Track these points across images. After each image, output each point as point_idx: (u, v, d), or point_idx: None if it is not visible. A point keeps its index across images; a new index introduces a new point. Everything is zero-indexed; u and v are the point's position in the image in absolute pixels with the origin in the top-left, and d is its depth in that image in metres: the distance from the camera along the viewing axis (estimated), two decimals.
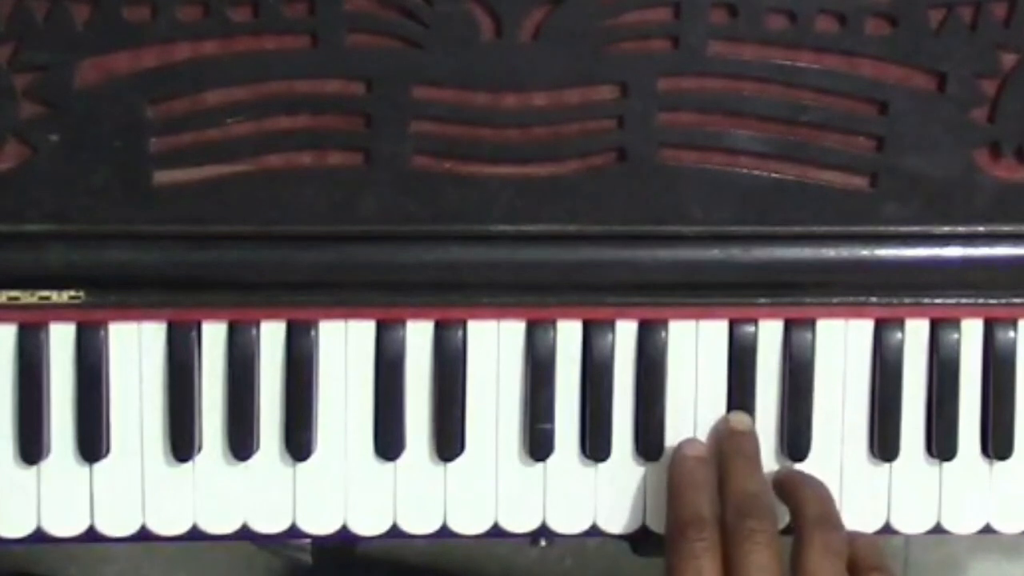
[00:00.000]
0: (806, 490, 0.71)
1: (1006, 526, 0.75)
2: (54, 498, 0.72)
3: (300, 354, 0.72)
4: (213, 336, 0.72)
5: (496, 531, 0.74)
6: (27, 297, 0.70)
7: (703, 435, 0.74)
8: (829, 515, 0.70)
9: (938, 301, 0.73)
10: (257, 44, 0.69)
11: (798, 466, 0.74)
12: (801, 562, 0.67)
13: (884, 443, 0.74)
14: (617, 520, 0.74)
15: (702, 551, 0.67)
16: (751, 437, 0.73)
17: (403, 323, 0.72)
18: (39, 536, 0.72)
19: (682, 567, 0.67)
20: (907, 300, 0.73)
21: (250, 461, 0.72)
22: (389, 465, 0.73)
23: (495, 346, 0.73)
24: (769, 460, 0.74)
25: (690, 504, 0.70)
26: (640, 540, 0.75)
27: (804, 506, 0.70)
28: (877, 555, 0.71)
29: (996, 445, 0.74)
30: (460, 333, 0.72)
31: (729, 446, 0.72)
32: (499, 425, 0.73)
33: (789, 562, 0.68)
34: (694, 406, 0.74)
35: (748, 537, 0.67)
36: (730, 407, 0.73)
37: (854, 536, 0.71)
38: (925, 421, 0.74)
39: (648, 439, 0.73)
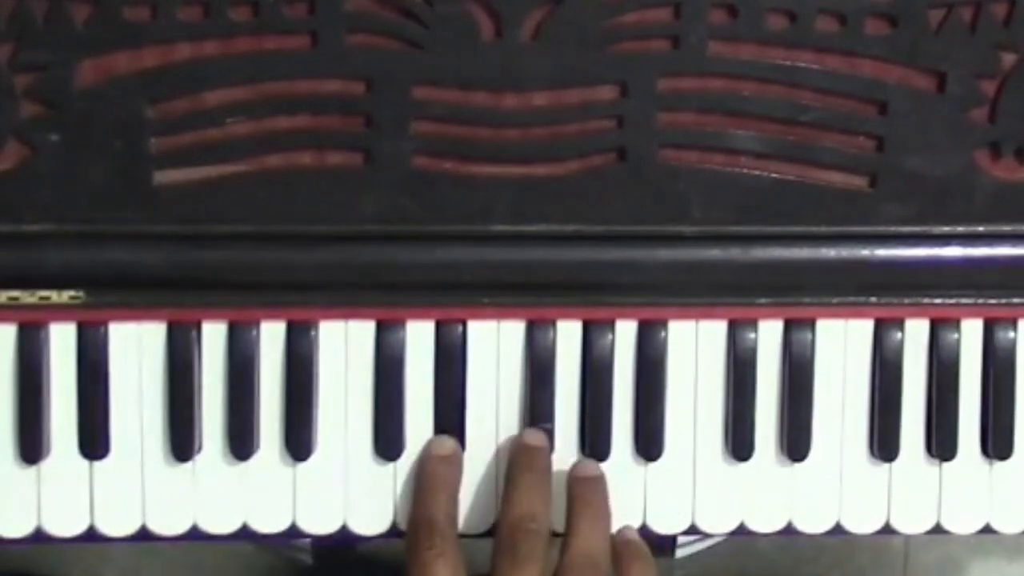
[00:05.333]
0: (584, 515, 0.69)
1: (1006, 526, 0.75)
2: (54, 498, 0.72)
3: (300, 354, 0.72)
4: (213, 336, 0.72)
5: None
6: (27, 297, 0.70)
7: (704, 435, 0.74)
8: (591, 555, 0.68)
9: (938, 301, 0.73)
10: (257, 44, 0.69)
11: (798, 466, 0.74)
12: None
13: (884, 443, 0.74)
14: (617, 520, 0.73)
15: (433, 558, 0.66)
16: (543, 452, 0.71)
17: (403, 323, 0.72)
18: (39, 536, 0.72)
19: (413, 574, 0.66)
20: (907, 300, 0.73)
21: (250, 461, 0.72)
22: (389, 465, 0.73)
23: (495, 346, 0.73)
24: (768, 460, 0.74)
25: (424, 508, 0.69)
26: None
27: (574, 535, 0.69)
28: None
29: (996, 445, 0.74)
30: (460, 333, 0.72)
31: (519, 460, 0.71)
32: (499, 425, 0.73)
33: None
34: (694, 406, 0.74)
35: (514, 563, 0.66)
36: (730, 407, 0.73)
37: (630, 567, 0.70)
38: (925, 421, 0.74)
39: (648, 439, 0.73)
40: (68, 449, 0.72)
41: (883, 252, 0.72)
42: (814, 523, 0.74)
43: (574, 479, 0.72)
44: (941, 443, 0.74)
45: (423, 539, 0.67)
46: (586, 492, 0.71)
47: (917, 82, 0.71)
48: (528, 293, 0.72)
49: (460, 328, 0.72)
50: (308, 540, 0.76)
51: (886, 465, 0.74)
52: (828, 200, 0.72)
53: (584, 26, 0.70)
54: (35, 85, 0.69)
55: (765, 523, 0.74)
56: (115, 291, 0.71)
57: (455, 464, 0.71)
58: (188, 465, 0.72)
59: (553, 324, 0.73)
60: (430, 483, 0.70)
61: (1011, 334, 0.74)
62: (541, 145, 0.71)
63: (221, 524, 0.72)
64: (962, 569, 0.93)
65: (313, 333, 0.72)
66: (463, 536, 0.72)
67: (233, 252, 0.71)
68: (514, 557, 0.67)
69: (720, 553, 0.86)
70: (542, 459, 0.71)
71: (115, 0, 0.68)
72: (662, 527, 0.74)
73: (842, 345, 0.74)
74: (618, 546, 0.71)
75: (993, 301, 0.73)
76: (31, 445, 0.71)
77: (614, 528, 0.72)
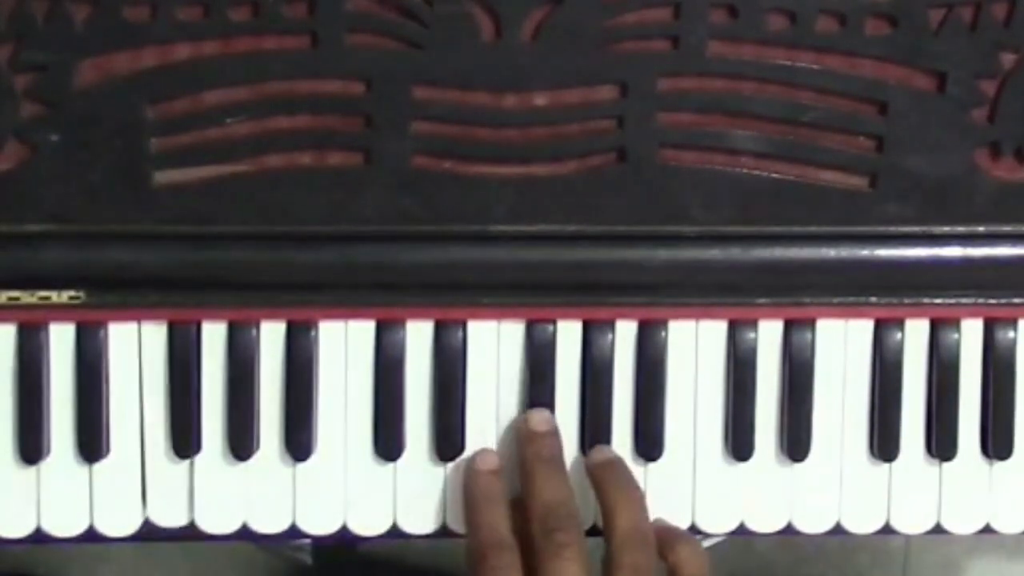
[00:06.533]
0: (619, 495, 0.69)
1: (1006, 526, 0.75)
2: (54, 498, 0.72)
3: (300, 354, 0.72)
4: (213, 336, 0.72)
5: None
6: (27, 297, 0.70)
7: (704, 435, 0.74)
8: (638, 529, 0.68)
9: (938, 301, 0.73)
10: (257, 44, 0.69)
11: (798, 466, 0.74)
12: None
13: (884, 443, 0.74)
14: None
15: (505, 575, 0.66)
16: (552, 437, 0.71)
17: (403, 323, 0.72)
18: (39, 536, 0.72)
19: None
20: (907, 300, 0.73)
21: (250, 461, 0.72)
22: (389, 465, 0.73)
23: (495, 346, 0.73)
24: (768, 460, 0.74)
25: (487, 526, 0.68)
26: None
27: (615, 516, 0.69)
28: (699, 570, 0.69)
29: (996, 445, 0.74)
30: (460, 333, 0.72)
31: (530, 451, 0.70)
32: (499, 425, 0.73)
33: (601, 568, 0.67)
34: (694, 406, 0.74)
35: (557, 553, 0.66)
36: (730, 407, 0.73)
37: (675, 543, 0.70)
38: (925, 421, 0.74)
39: (648, 439, 0.73)
40: (67, 449, 0.72)
41: (883, 252, 0.72)
42: (814, 523, 0.74)
43: (594, 466, 0.71)
44: (941, 443, 0.74)
45: (492, 558, 0.66)
46: (612, 474, 0.71)
47: (917, 82, 0.71)
48: (528, 293, 0.72)
49: (460, 328, 0.72)
50: (308, 540, 0.76)
51: (886, 465, 0.74)
52: (828, 200, 0.72)
53: (584, 26, 0.70)
54: (35, 85, 0.69)
55: (765, 523, 0.74)
56: (115, 291, 0.71)
57: (501, 477, 0.71)
58: (188, 465, 0.72)
59: (553, 324, 0.73)
60: (486, 498, 0.69)
61: (1011, 334, 0.74)
62: (541, 145, 0.71)
63: (221, 524, 0.72)
64: (962, 569, 0.93)
65: (313, 333, 0.72)
66: (458, 536, 0.72)
67: (233, 252, 0.71)
68: (555, 546, 0.66)
69: (720, 553, 0.86)
70: (554, 445, 0.71)
71: (115, 0, 0.68)
72: None
73: (842, 345, 0.74)
74: (660, 530, 0.71)
75: (993, 301, 0.73)
76: (30, 445, 0.71)
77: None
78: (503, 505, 0.70)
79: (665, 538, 0.70)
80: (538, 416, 0.72)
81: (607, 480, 0.70)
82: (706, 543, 0.81)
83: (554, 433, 0.71)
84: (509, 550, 0.67)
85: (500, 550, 0.67)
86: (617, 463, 0.71)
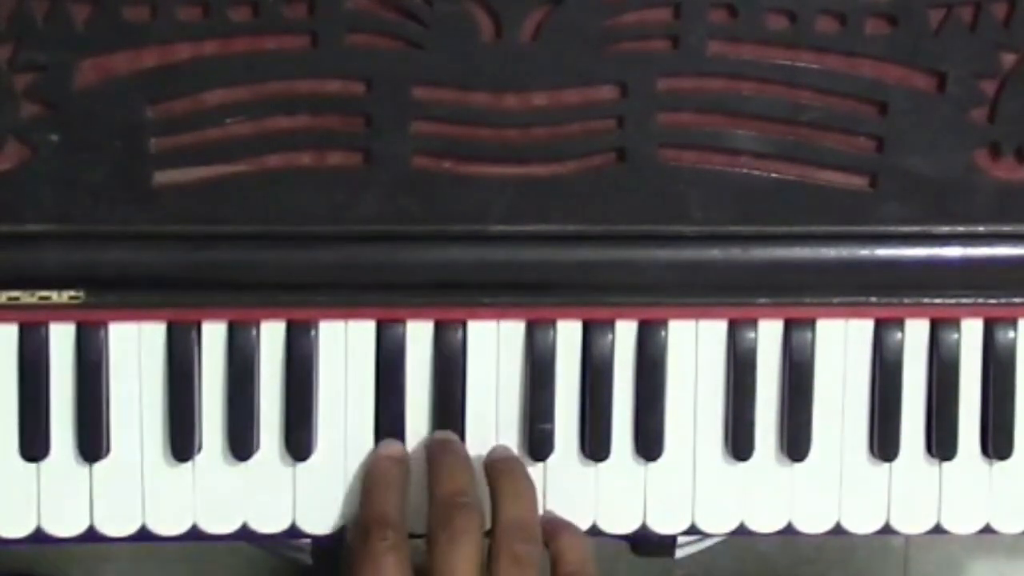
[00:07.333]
0: (507, 489, 0.70)
1: (1006, 526, 0.75)
2: (54, 498, 0.72)
3: (300, 354, 0.72)
4: (213, 336, 0.72)
5: None
6: (27, 297, 0.70)
7: (704, 435, 0.74)
8: (522, 521, 0.69)
9: (938, 301, 0.73)
10: (257, 44, 0.69)
11: (798, 466, 0.74)
12: (491, 574, 0.67)
13: (884, 443, 0.74)
14: (617, 520, 0.74)
15: (385, 550, 0.66)
16: (456, 441, 0.72)
17: (403, 323, 0.72)
18: (39, 536, 0.72)
19: (364, 567, 0.66)
20: (907, 300, 0.73)
21: (250, 461, 0.72)
22: None
23: (495, 346, 0.73)
24: (768, 460, 0.74)
25: (376, 504, 0.69)
26: (640, 540, 0.75)
27: (501, 508, 0.69)
28: (580, 558, 0.70)
29: (996, 445, 0.74)
30: (460, 333, 0.72)
31: (435, 447, 0.71)
32: (499, 425, 0.73)
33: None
34: (694, 406, 0.74)
35: (451, 538, 0.66)
36: (730, 407, 0.73)
37: (558, 533, 0.70)
38: (925, 421, 0.74)
39: (648, 439, 0.73)
40: (68, 449, 0.72)
41: (883, 252, 0.72)
42: (814, 523, 0.74)
43: (489, 464, 0.72)
44: (941, 443, 0.74)
45: (376, 532, 0.67)
46: (504, 469, 0.71)
47: (917, 82, 0.71)
48: (528, 293, 0.72)
49: (460, 328, 0.72)
50: (308, 540, 0.76)
51: (886, 465, 0.74)
52: (828, 200, 0.72)
53: (584, 26, 0.70)
54: (35, 85, 0.69)
55: (765, 523, 0.74)
56: (115, 291, 0.71)
57: (404, 465, 0.71)
58: (188, 465, 0.72)
59: (553, 324, 0.73)
60: (382, 481, 0.70)
61: (1011, 334, 0.74)
62: (541, 145, 0.71)
63: (221, 524, 0.72)
64: (962, 569, 0.93)
65: (313, 333, 0.72)
66: None
67: (233, 252, 0.71)
68: (450, 532, 0.67)
69: (720, 553, 0.86)
70: (457, 445, 0.72)
71: (115, 0, 0.68)
72: (662, 527, 0.74)
73: (842, 345, 0.74)
74: (547, 519, 0.72)
75: (993, 301, 0.73)
76: (31, 445, 0.71)
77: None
78: (398, 490, 0.70)
79: (549, 529, 0.70)
80: (440, 432, 0.72)
81: (499, 474, 0.71)
82: (706, 543, 0.81)
83: (457, 439, 0.72)
84: (393, 528, 0.67)
85: (384, 528, 0.67)
86: (510, 459, 0.72)
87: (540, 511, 0.72)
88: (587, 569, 0.69)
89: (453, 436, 0.72)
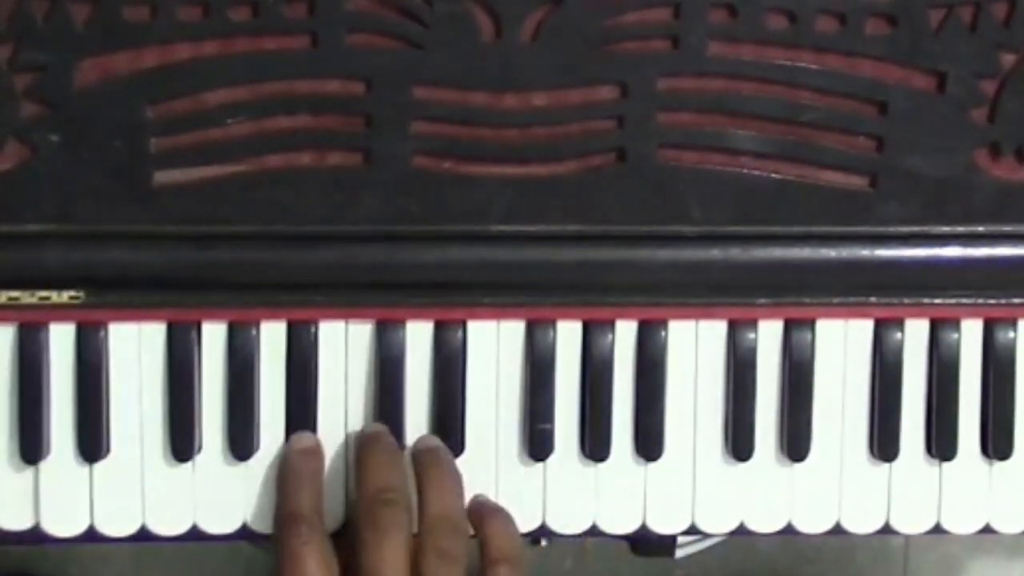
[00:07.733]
0: (432, 481, 0.70)
1: (1006, 526, 0.75)
2: (54, 498, 0.72)
3: (300, 354, 0.72)
4: (213, 336, 0.72)
5: None
6: (27, 297, 0.70)
7: (704, 435, 0.74)
8: (447, 514, 0.69)
9: (938, 301, 0.73)
10: (257, 44, 0.69)
11: (798, 466, 0.74)
12: (417, 570, 0.67)
13: (884, 443, 0.74)
14: (617, 520, 0.74)
15: (300, 547, 0.66)
16: (386, 435, 0.71)
17: (403, 323, 0.72)
18: (38, 535, 0.72)
19: (284, 565, 0.66)
20: (907, 300, 0.73)
21: (250, 461, 0.72)
22: None
23: (495, 346, 0.73)
24: (768, 460, 0.74)
25: (290, 500, 0.69)
26: (640, 540, 0.75)
27: (426, 502, 0.69)
28: (509, 544, 0.70)
29: (996, 445, 0.74)
30: (460, 333, 0.72)
31: (365, 442, 0.71)
32: (499, 425, 0.73)
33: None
34: (694, 406, 0.74)
35: (377, 533, 0.66)
36: (730, 407, 0.73)
37: (486, 520, 0.70)
38: (925, 421, 0.74)
39: (648, 439, 0.73)
40: (68, 449, 0.72)
41: (883, 252, 0.72)
42: (814, 523, 0.74)
43: (415, 453, 0.71)
44: (941, 443, 0.74)
45: (291, 530, 0.67)
46: (429, 459, 0.71)
47: (917, 82, 0.71)
48: (528, 293, 0.72)
49: (460, 328, 0.72)
50: None
51: (886, 465, 0.74)
52: (828, 200, 0.72)
53: (584, 26, 0.70)
54: (35, 85, 0.69)
55: (765, 523, 0.74)
56: (115, 291, 0.71)
57: (317, 458, 0.71)
58: (188, 465, 0.72)
59: (553, 324, 0.73)
60: (294, 477, 0.70)
61: (1011, 334, 0.74)
62: (541, 145, 0.71)
63: (221, 524, 0.72)
64: (962, 569, 0.93)
65: (313, 333, 0.72)
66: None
67: (233, 252, 0.71)
68: (376, 528, 0.67)
69: (720, 553, 0.86)
70: (386, 439, 0.71)
71: (115, 0, 0.68)
72: (662, 527, 0.74)
73: (842, 345, 0.74)
74: (475, 506, 0.71)
75: (993, 301, 0.73)
76: (31, 445, 0.71)
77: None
78: (310, 484, 0.70)
79: (478, 515, 0.70)
80: (372, 426, 0.72)
81: (425, 465, 0.71)
82: (706, 543, 0.81)
83: (388, 433, 0.71)
84: (307, 525, 0.67)
85: (298, 523, 0.67)
86: (436, 450, 0.71)
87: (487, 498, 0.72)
88: (515, 554, 0.69)
89: (383, 429, 0.71)
